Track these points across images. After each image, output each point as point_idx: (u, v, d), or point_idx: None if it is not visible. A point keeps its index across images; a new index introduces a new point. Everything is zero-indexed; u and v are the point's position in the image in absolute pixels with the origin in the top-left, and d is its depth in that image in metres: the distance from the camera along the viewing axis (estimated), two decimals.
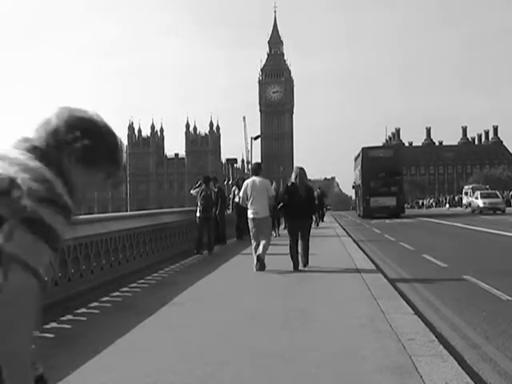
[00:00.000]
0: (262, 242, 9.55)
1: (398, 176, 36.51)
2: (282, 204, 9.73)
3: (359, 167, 38.44)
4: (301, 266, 9.59)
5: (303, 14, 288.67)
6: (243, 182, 17.01)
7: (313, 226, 10.36)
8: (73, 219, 1.41)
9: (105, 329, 5.58)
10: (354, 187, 45.81)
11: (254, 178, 9.97)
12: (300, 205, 9.47)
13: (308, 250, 9.74)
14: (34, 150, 1.40)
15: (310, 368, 4.04)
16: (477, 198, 39.74)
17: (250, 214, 9.78)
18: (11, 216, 1.29)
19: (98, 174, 1.51)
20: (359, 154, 38.85)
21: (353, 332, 5.11)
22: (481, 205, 38.36)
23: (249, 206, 9.80)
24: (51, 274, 1.17)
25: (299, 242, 9.61)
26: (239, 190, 16.66)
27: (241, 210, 16.50)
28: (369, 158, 36.47)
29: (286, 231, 10.55)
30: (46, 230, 1.32)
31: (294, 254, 9.57)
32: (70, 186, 1.42)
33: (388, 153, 38.84)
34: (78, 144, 1.44)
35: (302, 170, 9.79)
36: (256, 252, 9.58)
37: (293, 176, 9.75)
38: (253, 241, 9.88)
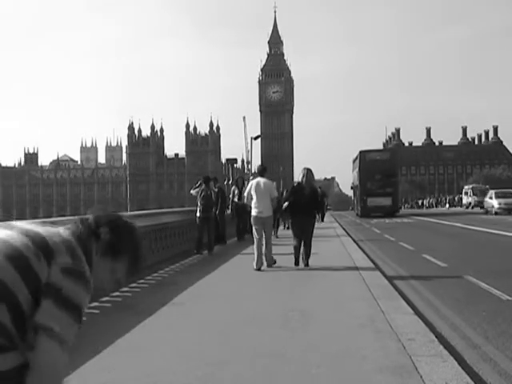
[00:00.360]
0: (265, 241, 9.83)
1: (393, 178, 38.64)
2: (287, 203, 9.98)
3: (357, 169, 40.17)
4: (301, 265, 9.84)
5: (303, 14, 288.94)
6: (242, 182, 17.11)
7: (316, 223, 10.58)
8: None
9: (105, 329, 5.58)
10: (352, 188, 47.59)
11: (259, 178, 10.25)
12: (305, 204, 9.74)
13: (310, 249, 9.95)
14: (73, 232, 1.65)
15: (310, 368, 4.05)
16: (491, 198, 35.89)
17: (253, 213, 10.02)
18: (46, 283, 1.47)
19: (118, 265, 1.71)
20: (357, 157, 40.55)
21: (353, 332, 5.11)
22: (496, 205, 35.10)
23: (252, 206, 10.03)
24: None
25: (302, 240, 9.87)
26: (239, 189, 16.66)
27: (241, 210, 16.34)
28: (366, 161, 38.35)
29: (285, 232, 10.70)
30: (73, 303, 1.52)
31: (296, 251, 9.88)
32: (91, 270, 1.63)
33: (384, 155, 40.78)
34: (105, 238, 1.66)
35: (309, 171, 10.09)
36: (257, 250, 9.78)
37: (300, 176, 10.07)
38: (255, 239, 10.06)
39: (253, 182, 10.25)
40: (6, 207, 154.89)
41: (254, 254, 9.91)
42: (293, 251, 10.06)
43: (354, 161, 44.66)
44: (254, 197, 9.97)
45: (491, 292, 7.38)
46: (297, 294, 7.32)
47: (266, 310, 6.29)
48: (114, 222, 1.72)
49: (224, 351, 4.58)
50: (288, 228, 20.49)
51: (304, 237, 9.89)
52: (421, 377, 3.73)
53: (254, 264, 9.73)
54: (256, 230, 10.04)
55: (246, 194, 10.41)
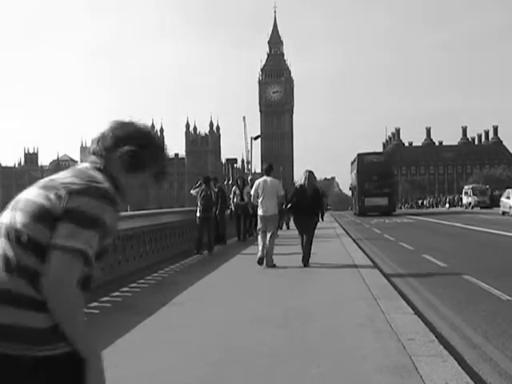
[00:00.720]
0: (268, 240, 10.10)
1: (389, 179, 41.11)
2: (290, 204, 10.31)
3: (355, 171, 42.03)
4: (302, 265, 10.05)
5: (303, 13, 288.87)
6: (243, 182, 16.93)
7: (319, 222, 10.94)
8: (119, 209, 1.65)
9: (105, 329, 5.58)
10: (350, 188, 50.15)
11: (265, 177, 10.47)
12: (307, 205, 10.07)
13: (310, 250, 10.16)
14: (91, 162, 1.71)
15: (310, 368, 4.05)
16: (508, 198, 34.40)
17: (259, 211, 10.34)
18: (61, 213, 1.54)
19: (144, 177, 1.73)
20: (355, 159, 42.45)
21: (353, 332, 5.11)
22: None
23: (259, 204, 10.32)
24: (106, 252, 1.37)
25: (304, 240, 10.19)
26: (239, 189, 16.49)
27: (241, 210, 16.29)
28: (364, 163, 40.56)
29: (285, 233, 10.87)
30: (85, 217, 1.54)
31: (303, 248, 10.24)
32: (121, 189, 1.69)
33: (381, 158, 43.09)
34: (122, 150, 1.68)
35: (311, 173, 10.42)
36: (262, 246, 10.09)
37: (302, 179, 10.37)
38: (259, 236, 10.38)
39: (260, 181, 10.46)
40: (6, 207, 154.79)
41: (253, 253, 9.95)
42: (293, 251, 10.41)
43: (352, 163, 46.53)
44: (261, 196, 10.20)
45: (491, 292, 7.38)
46: (296, 294, 7.32)
47: (266, 309, 6.29)
48: (131, 138, 1.70)
49: (224, 351, 4.58)
50: (288, 228, 20.51)
51: (305, 235, 10.17)
52: (421, 377, 3.73)
53: (257, 259, 10.07)
54: (260, 229, 10.40)
55: (252, 192, 10.60)
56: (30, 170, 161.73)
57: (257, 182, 10.57)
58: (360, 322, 5.44)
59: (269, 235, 10.15)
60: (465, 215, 35.74)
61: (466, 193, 56.78)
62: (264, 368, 4.12)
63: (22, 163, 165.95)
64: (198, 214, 12.96)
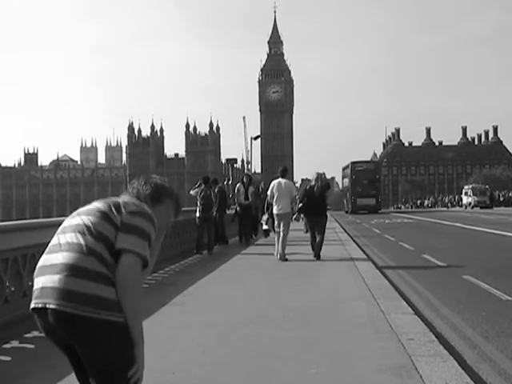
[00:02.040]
0: (281, 237, 10.99)
1: (377, 183, 50.10)
2: (301, 204, 11.21)
3: (348, 176, 50.20)
4: (314, 258, 10.96)
5: (303, 14, 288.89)
6: (249, 180, 15.95)
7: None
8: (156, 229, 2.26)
9: None
10: (341, 190, 58.02)
11: (280, 179, 11.44)
12: (316, 205, 11.03)
13: (322, 244, 11.07)
14: (133, 194, 2.38)
15: (310, 368, 4.05)
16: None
17: (274, 210, 11.35)
18: (122, 224, 2.15)
19: (166, 209, 2.43)
20: (348, 166, 51.10)
21: (353, 332, 5.11)
22: None
23: (273, 204, 11.31)
24: (154, 259, 2.44)
25: (316, 236, 11.09)
26: (244, 187, 15.51)
27: (244, 210, 15.35)
28: (356, 170, 49.04)
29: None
30: (143, 233, 2.16)
31: (312, 244, 11.17)
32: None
33: (370, 166, 52.30)
34: (150, 193, 2.38)
35: (320, 175, 11.41)
36: (278, 242, 11.11)
37: (312, 180, 11.35)
38: (275, 233, 11.43)
39: (275, 183, 11.41)
40: (6, 207, 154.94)
41: (254, 253, 9.96)
42: (296, 251, 11.07)
43: (344, 169, 54.52)
44: (275, 195, 11.18)
45: (491, 292, 7.38)
46: (297, 294, 7.32)
47: (266, 309, 6.29)
48: (152, 182, 2.42)
49: (224, 351, 4.58)
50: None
51: (317, 232, 11.07)
52: (421, 377, 3.74)
53: (275, 256, 11.17)
54: (276, 226, 11.40)
55: (268, 192, 11.59)
56: (29, 170, 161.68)
57: (272, 184, 11.47)
58: (360, 321, 5.44)
59: (282, 234, 10.98)
60: (465, 215, 35.72)
61: (465, 193, 56.77)
62: (264, 368, 4.12)
63: (22, 163, 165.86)
64: (197, 214, 12.95)
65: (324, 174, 11.55)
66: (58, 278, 2.04)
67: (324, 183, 11.24)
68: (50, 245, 2.19)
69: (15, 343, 4.95)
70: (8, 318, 5.18)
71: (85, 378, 2.23)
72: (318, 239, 11.03)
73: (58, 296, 2.02)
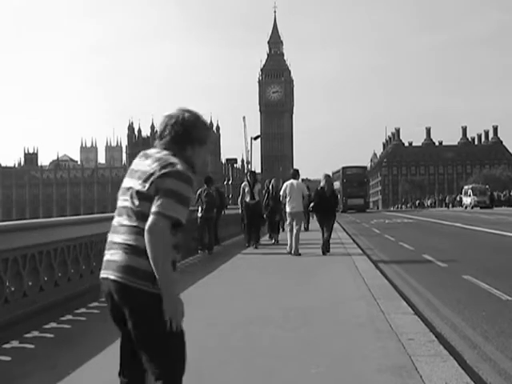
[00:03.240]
0: (294, 232, 11.89)
1: (365, 185, 58.12)
2: (313, 204, 12.33)
3: (340, 179, 56.05)
4: (322, 253, 11.80)
5: (303, 14, 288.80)
6: (254, 178, 14.96)
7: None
8: (194, 184, 2.39)
9: (105, 329, 5.57)
10: (333, 191, 64.11)
11: (292, 180, 12.46)
12: (326, 204, 12.10)
13: (329, 240, 12.07)
14: (165, 147, 2.46)
15: (310, 368, 4.05)
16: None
17: (287, 209, 12.34)
18: (155, 193, 2.31)
19: (199, 150, 2.51)
20: (339, 171, 58.08)
21: (352, 332, 5.11)
22: None
23: (287, 203, 12.28)
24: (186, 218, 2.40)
25: (324, 233, 12.04)
26: (250, 186, 14.19)
27: (252, 210, 14.02)
28: (346, 174, 56.82)
29: (284, 237, 11.57)
30: (176, 194, 2.31)
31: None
32: (190, 163, 2.46)
33: (359, 171, 59.23)
34: (180, 131, 2.46)
35: (329, 177, 12.67)
36: (291, 239, 11.96)
37: (322, 182, 12.45)
38: (288, 229, 12.34)
39: (287, 184, 12.42)
40: (6, 207, 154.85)
41: (254, 253, 9.93)
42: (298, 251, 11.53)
43: (335, 173, 60.04)
44: (288, 195, 12.17)
45: (491, 292, 7.38)
46: (297, 294, 7.32)
47: (266, 309, 6.29)
48: (181, 118, 2.48)
49: (224, 351, 4.58)
50: (283, 230, 20.15)
51: (325, 229, 12.03)
52: (421, 377, 3.74)
53: (287, 250, 12.05)
54: (289, 223, 12.34)
55: (281, 193, 12.61)
56: (29, 170, 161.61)
57: (285, 185, 12.51)
58: (360, 321, 5.44)
59: (295, 229, 11.93)
60: (465, 215, 35.70)
61: (465, 193, 56.75)
62: (264, 368, 4.12)
63: (22, 163, 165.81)
64: (199, 214, 12.91)
65: (330, 176, 12.89)
66: (117, 253, 2.39)
67: (331, 186, 12.42)
68: (112, 224, 2.53)
69: (15, 343, 4.95)
70: (8, 318, 5.17)
71: (132, 351, 2.45)
72: (325, 236, 11.96)
73: (117, 269, 2.37)
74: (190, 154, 2.47)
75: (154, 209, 2.29)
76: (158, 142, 2.49)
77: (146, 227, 2.28)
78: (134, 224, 2.37)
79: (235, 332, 5.25)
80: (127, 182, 2.46)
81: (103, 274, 2.46)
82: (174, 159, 2.37)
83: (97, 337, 5.25)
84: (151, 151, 2.48)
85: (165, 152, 2.43)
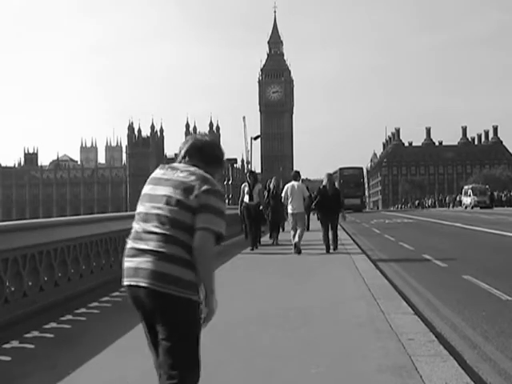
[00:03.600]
0: (298, 232, 12.18)
1: (361, 186, 59.75)
2: (315, 202, 12.60)
3: (337, 180, 54.80)
4: (331, 250, 12.28)
5: (303, 14, 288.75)
6: (255, 178, 14.53)
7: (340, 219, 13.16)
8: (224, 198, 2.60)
9: (105, 329, 5.58)
10: (336, 189, 68.55)
11: (293, 182, 12.77)
12: (329, 203, 12.44)
13: (337, 237, 12.67)
14: (192, 163, 2.64)
15: (310, 368, 4.05)
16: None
17: (289, 210, 12.65)
18: (198, 206, 2.46)
19: (216, 169, 2.70)
20: (336, 172, 58.29)
21: (353, 332, 5.11)
22: None
23: (289, 204, 12.62)
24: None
25: (329, 231, 12.42)
26: (249, 186, 13.89)
27: (252, 212, 13.75)
28: (343, 175, 58.21)
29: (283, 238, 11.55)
30: (218, 211, 2.49)
31: (325, 240, 12.34)
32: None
33: (355, 172, 60.87)
34: (205, 157, 2.68)
35: (330, 175, 13.05)
36: (294, 240, 12.14)
37: (324, 181, 12.78)
38: (292, 230, 12.59)
39: (288, 186, 12.75)
40: (6, 207, 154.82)
41: (254, 253, 9.90)
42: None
43: (332, 174, 62.67)
44: (290, 197, 12.53)
45: (491, 292, 7.37)
46: (297, 294, 7.32)
47: (266, 309, 6.29)
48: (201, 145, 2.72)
49: (224, 351, 4.58)
50: (283, 230, 20.07)
51: (330, 226, 12.46)
52: (420, 377, 3.73)
53: (293, 250, 12.12)
54: (291, 224, 12.71)
55: (283, 194, 12.91)
56: (29, 170, 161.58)
57: (286, 187, 12.83)
58: (360, 321, 5.44)
59: (299, 230, 12.26)
60: (465, 215, 35.70)
61: (465, 193, 56.75)
62: (264, 368, 4.12)
63: (22, 163, 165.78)
64: None
65: (332, 174, 13.29)
66: (149, 261, 2.45)
67: (333, 185, 12.85)
68: (133, 230, 2.58)
69: (15, 343, 4.95)
70: (8, 318, 5.17)
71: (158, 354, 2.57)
72: (331, 234, 12.42)
73: (149, 276, 2.43)
74: (211, 172, 2.64)
75: (201, 224, 2.45)
76: (183, 160, 2.67)
77: (198, 241, 2.43)
78: (168, 232, 2.45)
79: (235, 332, 5.25)
80: (159, 190, 2.54)
81: (131, 281, 2.50)
82: (207, 175, 2.57)
83: (97, 337, 5.25)
84: (179, 165, 2.65)
85: (195, 167, 2.60)
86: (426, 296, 7.40)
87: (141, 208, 2.58)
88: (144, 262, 2.45)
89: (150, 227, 2.48)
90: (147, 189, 2.61)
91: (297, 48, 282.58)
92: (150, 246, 2.46)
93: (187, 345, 2.47)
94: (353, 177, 58.92)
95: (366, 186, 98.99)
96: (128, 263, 2.52)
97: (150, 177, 2.65)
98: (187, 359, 2.47)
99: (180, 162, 2.67)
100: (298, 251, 11.95)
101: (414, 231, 22.15)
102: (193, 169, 2.58)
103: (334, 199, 12.50)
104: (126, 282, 2.51)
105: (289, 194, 12.61)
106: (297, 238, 12.11)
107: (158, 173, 2.63)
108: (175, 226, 2.44)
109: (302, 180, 14.97)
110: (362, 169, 69.33)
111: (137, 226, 2.56)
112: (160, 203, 2.49)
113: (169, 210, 2.46)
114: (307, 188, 13.45)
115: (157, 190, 2.54)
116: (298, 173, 13.31)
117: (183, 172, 2.56)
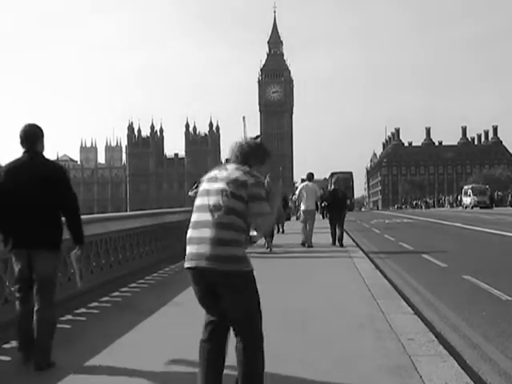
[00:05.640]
0: (308, 228, 13.80)
1: (350, 189, 64.83)
2: (326, 203, 14.34)
3: (329, 183, 63.35)
4: (337, 246, 13.68)
5: (303, 14, 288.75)
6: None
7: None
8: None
9: (105, 329, 5.58)
10: (342, 192, 77.68)
11: (307, 182, 14.35)
12: (338, 203, 14.18)
13: (342, 233, 14.07)
14: (242, 163, 3.24)
15: (310, 368, 4.04)
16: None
17: (303, 207, 14.11)
18: (249, 196, 3.05)
19: (260, 167, 3.35)
20: (330, 176, 62.46)
21: (352, 332, 5.11)
22: None
23: (302, 202, 14.11)
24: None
25: (337, 229, 14.02)
26: None
27: None
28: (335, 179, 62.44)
29: (279, 242, 12.11)
30: (264, 198, 3.08)
31: (333, 234, 14.14)
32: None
33: (346, 175, 66.02)
34: (252, 156, 3.34)
35: (337, 179, 15.61)
36: (304, 233, 13.92)
37: (334, 183, 15.16)
38: (303, 225, 14.12)
39: (303, 185, 14.38)
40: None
41: (254, 252, 9.94)
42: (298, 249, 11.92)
43: (327, 178, 64.87)
44: (304, 196, 13.95)
45: (491, 292, 7.37)
46: (296, 294, 7.32)
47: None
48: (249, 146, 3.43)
49: None
50: (283, 232, 20.03)
51: (338, 224, 13.98)
52: (420, 377, 3.74)
53: (301, 244, 13.91)
54: (304, 220, 14.07)
55: (297, 193, 14.54)
56: None
57: (300, 186, 14.60)
58: (360, 321, 5.44)
59: (309, 225, 13.79)
60: (465, 215, 35.70)
61: (465, 193, 56.74)
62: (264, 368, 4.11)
63: None
64: None
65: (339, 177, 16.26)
66: (207, 246, 3.04)
67: (341, 188, 14.86)
68: (193, 221, 3.28)
69: (15, 343, 4.94)
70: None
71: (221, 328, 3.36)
72: (338, 232, 13.89)
73: (209, 258, 3.02)
74: (256, 169, 3.24)
75: (259, 209, 3.07)
76: (233, 161, 3.26)
77: (261, 219, 3.10)
78: (223, 221, 3.03)
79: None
80: (215, 185, 3.12)
81: (193, 263, 3.12)
82: (254, 172, 3.17)
83: (97, 337, 5.25)
84: (230, 166, 3.23)
85: (245, 167, 3.19)
86: (426, 296, 7.40)
87: (199, 201, 3.17)
88: (204, 246, 3.06)
89: (209, 217, 3.06)
90: (205, 185, 3.19)
91: (297, 48, 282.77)
92: (206, 233, 3.07)
93: (256, 308, 3.44)
94: (345, 180, 63.42)
95: (366, 186, 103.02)
96: (190, 247, 3.18)
97: (207, 175, 3.24)
98: (256, 320, 3.48)
99: (232, 163, 3.26)
100: (309, 246, 13.54)
101: (414, 231, 22.15)
102: (244, 167, 3.17)
103: (342, 200, 14.22)
104: (186, 264, 3.17)
105: (303, 193, 14.04)
106: (308, 235, 13.69)
107: (212, 173, 3.22)
108: (229, 212, 3.02)
109: (302, 180, 17.15)
110: (351, 173, 75.01)
111: (195, 215, 3.19)
112: (216, 196, 3.06)
113: (224, 201, 3.03)
114: (322, 189, 15.43)
115: (214, 185, 3.11)
116: (312, 174, 14.76)
117: (238, 170, 3.14)
